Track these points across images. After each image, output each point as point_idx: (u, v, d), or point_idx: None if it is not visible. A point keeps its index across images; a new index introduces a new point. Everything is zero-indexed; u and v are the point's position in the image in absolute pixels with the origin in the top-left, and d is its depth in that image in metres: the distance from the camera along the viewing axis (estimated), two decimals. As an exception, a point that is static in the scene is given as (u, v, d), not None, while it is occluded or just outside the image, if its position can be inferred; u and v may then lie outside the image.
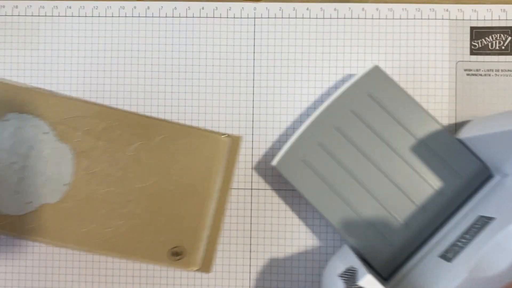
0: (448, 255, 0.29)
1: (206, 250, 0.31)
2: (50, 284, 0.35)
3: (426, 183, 0.32)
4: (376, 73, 0.32)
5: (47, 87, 0.36)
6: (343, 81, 0.36)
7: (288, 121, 0.36)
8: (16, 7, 0.36)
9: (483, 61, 0.35)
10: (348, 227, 0.32)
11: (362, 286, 0.26)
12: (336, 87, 0.36)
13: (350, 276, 0.28)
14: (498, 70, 0.35)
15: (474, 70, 0.35)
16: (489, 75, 0.35)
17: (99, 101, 0.36)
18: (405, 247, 0.32)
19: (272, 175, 0.35)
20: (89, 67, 0.36)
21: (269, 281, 0.36)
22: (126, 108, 0.35)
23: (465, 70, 0.35)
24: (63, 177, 0.30)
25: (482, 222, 0.29)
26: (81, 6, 0.36)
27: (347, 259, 0.30)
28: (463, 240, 0.29)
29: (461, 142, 0.32)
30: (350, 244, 0.32)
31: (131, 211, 0.30)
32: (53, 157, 0.30)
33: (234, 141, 0.31)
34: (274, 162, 0.32)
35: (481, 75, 0.35)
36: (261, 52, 0.36)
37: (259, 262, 0.36)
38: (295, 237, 0.35)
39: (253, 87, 0.36)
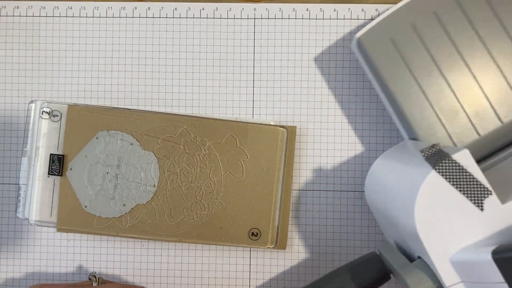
0: None
1: (279, 229, 0.35)
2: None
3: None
4: None
5: (48, 87, 0.36)
6: (342, 81, 0.36)
7: (288, 121, 0.36)
8: (17, 7, 0.36)
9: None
10: (421, 120, 0.30)
11: (455, 159, 0.24)
12: (335, 87, 0.36)
13: (435, 153, 0.25)
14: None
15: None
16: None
17: (101, 100, 0.36)
18: (496, 141, 0.30)
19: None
20: (90, 67, 0.36)
21: (269, 280, 0.36)
22: (127, 107, 0.35)
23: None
24: (150, 180, 0.34)
25: None
26: (82, 7, 0.36)
27: (417, 146, 0.28)
28: None
29: None
30: (414, 137, 0.31)
31: (212, 201, 0.34)
32: (140, 164, 0.34)
33: (291, 131, 0.35)
34: (359, 34, 0.31)
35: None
36: (261, 53, 0.36)
37: (259, 261, 0.36)
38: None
39: (253, 87, 0.36)
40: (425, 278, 0.25)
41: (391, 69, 0.31)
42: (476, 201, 0.24)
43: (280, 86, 0.36)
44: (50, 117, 0.34)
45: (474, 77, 0.30)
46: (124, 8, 0.36)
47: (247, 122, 0.35)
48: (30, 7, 0.36)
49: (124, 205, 0.34)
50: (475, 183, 0.24)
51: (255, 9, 0.36)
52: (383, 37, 0.31)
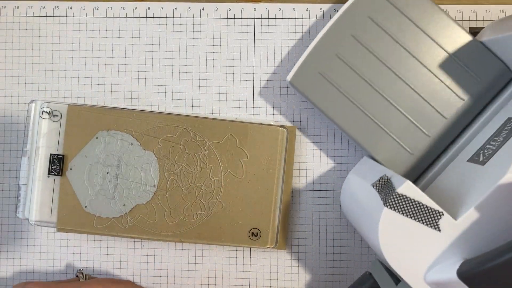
0: (479, 159, 0.28)
1: (279, 229, 0.35)
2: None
3: (448, 89, 0.31)
4: None
5: (48, 87, 0.36)
6: (342, 81, 0.36)
7: (288, 121, 0.36)
8: (17, 7, 0.36)
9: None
10: (367, 138, 0.32)
11: (401, 193, 0.25)
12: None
13: (384, 185, 0.27)
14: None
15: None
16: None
17: (101, 100, 0.36)
18: (428, 155, 0.32)
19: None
20: (89, 67, 0.36)
21: (269, 280, 0.36)
22: (127, 107, 0.35)
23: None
24: (150, 180, 0.34)
25: None
26: (82, 7, 0.36)
27: (372, 168, 0.30)
28: (494, 143, 0.28)
29: (482, 44, 0.31)
30: (370, 155, 0.32)
31: (212, 201, 0.34)
32: (140, 164, 0.34)
33: (291, 131, 0.35)
34: (289, 77, 0.32)
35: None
36: (261, 52, 0.36)
37: (259, 261, 0.36)
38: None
39: (253, 87, 0.36)
40: None
41: (327, 100, 0.32)
42: (432, 225, 0.25)
43: (280, 86, 0.36)
44: (50, 117, 0.34)
45: (407, 84, 0.32)
46: (124, 8, 0.36)
47: (247, 122, 0.35)
48: (30, 7, 0.36)
49: (124, 205, 0.34)
50: (425, 209, 0.25)
51: (255, 9, 0.36)
52: (311, 74, 0.32)
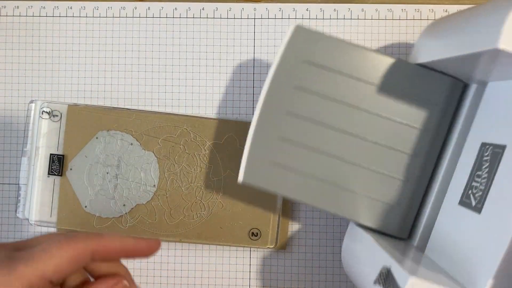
0: (471, 203, 0.25)
1: (279, 229, 0.35)
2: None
3: (405, 126, 0.29)
4: (301, 34, 0.28)
5: (48, 87, 0.36)
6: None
7: (288, 121, 0.36)
8: (17, 7, 0.36)
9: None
10: (344, 207, 0.29)
11: None
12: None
13: (386, 280, 0.24)
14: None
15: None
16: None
17: (101, 100, 0.36)
18: (413, 202, 0.29)
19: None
20: (89, 67, 0.36)
21: (269, 280, 0.36)
22: (127, 107, 0.35)
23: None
24: (150, 180, 0.34)
25: (492, 153, 0.24)
26: (82, 7, 0.36)
27: (363, 242, 0.27)
28: (479, 180, 0.25)
29: (421, 65, 0.28)
30: (357, 223, 0.30)
31: (212, 201, 0.34)
32: (140, 164, 0.34)
33: None
34: (240, 178, 0.29)
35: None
36: (261, 52, 0.36)
37: (259, 262, 0.36)
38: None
39: (253, 87, 0.36)
40: None
41: (288, 186, 0.29)
42: None
43: (280, 86, 0.36)
44: (50, 117, 0.34)
45: (359, 138, 0.29)
46: (124, 8, 0.36)
47: (247, 122, 0.35)
48: (30, 7, 0.36)
49: (124, 205, 0.34)
50: None
51: (255, 9, 0.36)
52: (261, 166, 0.29)
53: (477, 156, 0.26)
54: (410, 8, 0.36)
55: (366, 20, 0.36)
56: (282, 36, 0.36)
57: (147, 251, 0.26)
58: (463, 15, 0.26)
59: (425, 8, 0.36)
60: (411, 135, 0.29)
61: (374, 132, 0.29)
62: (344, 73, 0.28)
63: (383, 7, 0.35)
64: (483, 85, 0.27)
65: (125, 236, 0.25)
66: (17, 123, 0.36)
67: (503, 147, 0.24)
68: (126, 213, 0.34)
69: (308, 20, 0.36)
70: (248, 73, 0.36)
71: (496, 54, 0.21)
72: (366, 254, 0.27)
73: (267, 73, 0.36)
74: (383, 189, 0.29)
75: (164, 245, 0.36)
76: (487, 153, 0.25)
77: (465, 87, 0.29)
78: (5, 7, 0.37)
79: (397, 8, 0.36)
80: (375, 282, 0.25)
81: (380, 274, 0.25)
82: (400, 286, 0.22)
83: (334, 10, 0.36)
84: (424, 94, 0.28)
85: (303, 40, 0.28)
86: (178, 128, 0.34)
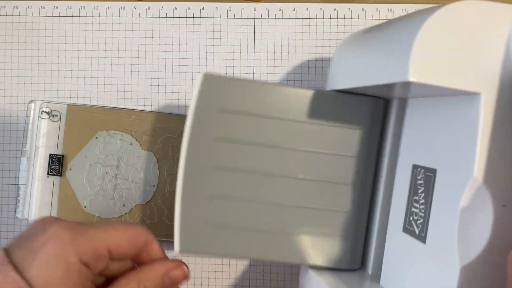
0: (414, 231, 0.24)
1: None
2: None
3: (335, 156, 0.28)
4: (210, 81, 0.27)
5: (48, 87, 0.36)
6: (343, 81, 0.36)
7: (288, 121, 0.36)
8: (17, 7, 0.36)
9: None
10: (294, 253, 0.28)
11: None
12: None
13: None
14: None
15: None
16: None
17: (100, 100, 0.36)
18: (358, 231, 0.28)
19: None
20: (89, 67, 0.36)
21: (269, 280, 0.36)
22: (127, 107, 0.35)
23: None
24: (150, 180, 0.34)
25: (425, 177, 0.24)
26: (81, 6, 0.36)
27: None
28: (417, 205, 0.24)
29: (339, 91, 0.28)
30: (307, 266, 0.29)
31: None
32: (140, 164, 0.34)
33: None
34: (176, 248, 0.26)
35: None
36: (261, 52, 0.36)
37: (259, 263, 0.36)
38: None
39: (253, 87, 0.36)
40: None
41: (231, 246, 0.27)
42: None
43: (280, 86, 0.36)
44: (49, 117, 0.34)
45: (293, 178, 0.28)
46: (123, 8, 0.36)
47: None
48: (30, 6, 0.36)
49: (123, 205, 0.34)
50: None
51: (255, 9, 0.36)
52: (197, 230, 0.27)
53: (411, 179, 0.25)
54: (411, 8, 0.35)
55: (366, 20, 0.35)
56: (282, 36, 0.36)
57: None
58: (373, 36, 0.25)
59: (424, 8, 0.35)
60: (343, 164, 0.28)
61: (306, 169, 0.28)
62: (262, 114, 0.27)
63: (383, 7, 0.35)
64: (404, 100, 0.27)
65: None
66: (17, 123, 0.36)
67: (434, 171, 0.23)
68: (125, 213, 0.34)
69: (308, 19, 0.36)
70: (248, 73, 0.36)
71: (408, 84, 0.21)
72: None
73: (267, 73, 0.36)
74: (326, 224, 0.28)
75: (164, 245, 0.36)
76: (419, 177, 0.24)
77: (387, 102, 0.28)
78: (4, 7, 0.36)
79: (397, 8, 0.36)
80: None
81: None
82: None
83: (334, 10, 0.36)
84: (347, 119, 0.27)
85: (213, 89, 0.27)
86: (178, 128, 0.34)
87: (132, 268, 0.26)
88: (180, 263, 0.27)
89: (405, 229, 0.25)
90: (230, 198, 0.27)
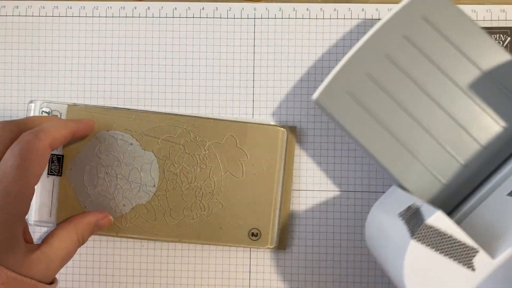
0: None
1: (279, 229, 0.35)
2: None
3: (487, 115, 0.29)
4: None
5: (48, 87, 0.36)
6: (343, 81, 0.36)
7: (288, 121, 0.36)
8: (17, 7, 0.36)
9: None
10: (397, 165, 0.29)
11: (431, 224, 0.23)
12: (336, 87, 0.36)
13: (412, 215, 0.25)
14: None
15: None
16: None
17: (101, 100, 0.36)
18: (463, 186, 0.29)
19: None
20: (89, 67, 0.36)
21: (269, 280, 0.36)
22: (127, 107, 0.35)
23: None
24: (150, 180, 0.34)
25: None
26: (81, 7, 0.36)
27: (400, 198, 0.28)
28: None
29: None
30: (399, 185, 0.30)
31: (211, 202, 0.34)
32: (140, 164, 0.34)
33: (291, 131, 0.35)
34: (315, 95, 0.30)
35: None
36: (261, 52, 0.36)
37: (259, 262, 0.36)
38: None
39: (253, 87, 0.36)
40: None
41: (355, 122, 0.30)
42: (465, 263, 0.23)
43: (280, 86, 0.36)
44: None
45: (443, 109, 0.30)
46: (123, 8, 0.36)
47: (247, 122, 0.35)
48: (30, 6, 0.36)
49: (123, 205, 0.34)
50: (458, 244, 0.23)
51: (255, 9, 0.36)
52: (339, 93, 0.30)
53: None
54: (410, 8, 0.35)
55: (366, 20, 0.35)
56: (282, 36, 0.36)
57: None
58: None
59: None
60: (492, 129, 0.29)
61: (459, 110, 0.29)
62: (455, 44, 0.29)
63: (383, 7, 0.35)
64: None
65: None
66: (17, 123, 0.36)
67: None
68: (126, 213, 0.34)
69: (308, 19, 0.36)
70: (248, 73, 0.36)
71: None
72: (398, 208, 0.27)
73: (267, 73, 0.36)
74: (442, 166, 0.29)
75: (164, 245, 0.36)
76: None
77: None
78: (4, 7, 0.36)
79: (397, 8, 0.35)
80: (400, 215, 0.25)
81: (408, 209, 0.25)
82: (425, 218, 0.23)
83: (334, 10, 0.36)
84: None
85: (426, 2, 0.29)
86: (178, 128, 0.34)
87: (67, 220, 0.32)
88: (105, 213, 0.33)
89: (511, 193, 0.26)
90: (383, 89, 0.30)
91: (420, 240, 0.23)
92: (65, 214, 0.34)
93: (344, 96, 0.30)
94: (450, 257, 0.23)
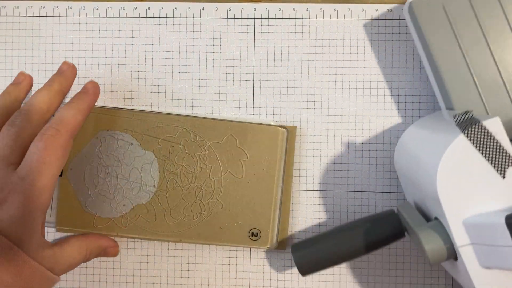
0: None
1: (279, 229, 0.35)
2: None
3: None
4: None
5: (48, 87, 0.36)
6: (342, 81, 0.36)
7: (288, 121, 0.36)
8: (17, 7, 0.36)
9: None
10: (458, 91, 0.30)
11: (485, 125, 0.25)
12: (335, 87, 0.36)
13: (466, 119, 0.26)
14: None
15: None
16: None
17: (101, 100, 0.36)
18: (507, 124, 0.30)
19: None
20: (89, 67, 0.36)
21: (269, 280, 0.36)
22: (127, 107, 0.35)
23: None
24: (151, 180, 0.34)
25: None
26: (81, 7, 0.36)
27: (445, 119, 0.29)
28: None
29: None
30: (449, 107, 0.31)
31: (211, 201, 0.34)
32: (140, 164, 0.34)
33: (291, 131, 0.35)
34: (407, 4, 0.31)
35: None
36: (261, 53, 0.36)
37: (259, 262, 0.36)
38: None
39: (253, 87, 0.36)
40: (438, 238, 0.26)
41: (438, 37, 0.31)
42: (499, 168, 0.25)
43: (280, 86, 0.36)
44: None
45: None
46: (124, 8, 0.36)
47: (247, 122, 0.35)
48: (30, 7, 0.36)
49: (124, 205, 0.34)
50: (500, 150, 0.25)
51: (255, 9, 0.36)
52: (435, 4, 0.31)
53: None
54: (410, 8, 0.36)
55: (366, 20, 0.36)
56: (282, 36, 0.36)
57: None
58: None
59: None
60: None
61: None
62: None
63: (383, 7, 0.35)
64: None
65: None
66: (17, 123, 0.36)
67: None
68: (126, 213, 0.34)
69: (308, 20, 0.36)
70: (248, 73, 0.36)
71: None
72: (440, 127, 0.28)
73: (267, 73, 0.36)
74: (497, 105, 0.30)
75: (164, 245, 0.36)
76: None
77: None
78: (5, 7, 0.37)
79: (397, 8, 0.36)
80: (453, 116, 0.26)
81: (464, 113, 0.26)
82: (480, 120, 0.25)
83: (334, 10, 0.36)
84: None
85: None
86: (178, 128, 0.34)
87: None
88: (117, 244, 0.35)
89: None
90: (475, 14, 0.30)
91: (469, 136, 0.25)
92: (65, 214, 0.34)
93: (437, 8, 0.31)
94: (488, 160, 0.25)
